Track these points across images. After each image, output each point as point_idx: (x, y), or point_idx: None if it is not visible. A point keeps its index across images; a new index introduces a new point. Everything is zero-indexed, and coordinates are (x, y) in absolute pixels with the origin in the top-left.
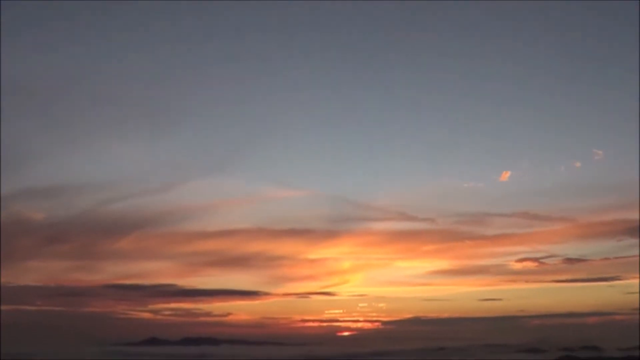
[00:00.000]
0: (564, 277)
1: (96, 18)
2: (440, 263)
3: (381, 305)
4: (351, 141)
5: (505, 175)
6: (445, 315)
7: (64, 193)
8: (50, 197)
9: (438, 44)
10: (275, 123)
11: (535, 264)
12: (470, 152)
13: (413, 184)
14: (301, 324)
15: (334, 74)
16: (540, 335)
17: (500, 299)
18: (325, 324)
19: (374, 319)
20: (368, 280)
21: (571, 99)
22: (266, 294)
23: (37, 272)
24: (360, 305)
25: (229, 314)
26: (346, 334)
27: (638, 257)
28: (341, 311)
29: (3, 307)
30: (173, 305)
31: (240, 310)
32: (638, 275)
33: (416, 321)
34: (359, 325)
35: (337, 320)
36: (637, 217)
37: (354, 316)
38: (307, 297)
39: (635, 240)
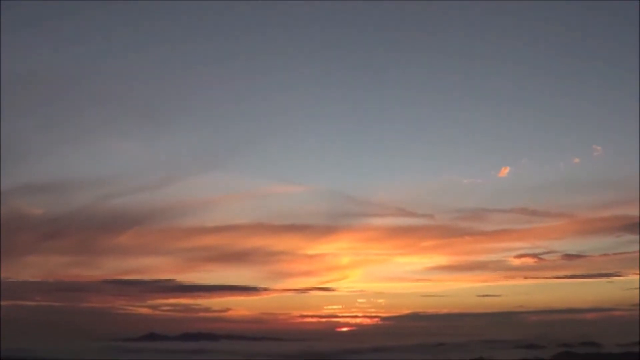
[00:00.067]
0: (562, 273)
1: (96, 16)
2: (439, 259)
3: (380, 300)
4: (350, 137)
5: (504, 171)
6: (444, 311)
7: (63, 189)
8: (49, 192)
9: (437, 41)
10: (275, 119)
11: (534, 259)
12: (469, 148)
13: (412, 179)
14: (300, 320)
15: (333, 70)
16: (539, 331)
17: (499, 295)
18: (324, 320)
19: (373, 314)
20: (367, 276)
21: (570, 96)
22: (265, 289)
23: (37, 267)
24: (359, 300)
25: (228, 309)
26: (345, 329)
27: (637, 253)
28: (340, 307)
29: (2, 303)
30: (172, 300)
31: (239, 306)
32: (637, 271)
33: (415, 317)
34: (358, 320)
35: (336, 316)
36: (637, 213)
37: (352, 312)
38: (306, 293)
39: (634, 236)
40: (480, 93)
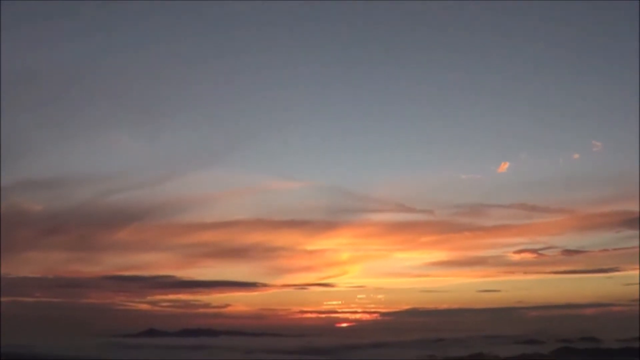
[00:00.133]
0: (562, 269)
1: (95, 14)
2: (438, 254)
3: (380, 296)
4: (350, 133)
5: (504, 167)
6: (444, 306)
7: (63, 185)
8: (49, 188)
9: (436, 37)
10: (274, 115)
11: (534, 255)
12: (469, 144)
13: (411, 175)
14: (300, 315)
15: (333, 66)
16: (539, 327)
17: (498, 290)
18: (323, 315)
19: (373, 310)
20: (366, 272)
21: (570, 91)
22: (265, 285)
23: (36, 263)
24: (358, 296)
25: (227, 305)
26: (345, 325)
27: (637, 249)
28: (340, 302)
29: (2, 299)
30: (172, 296)
31: (238, 302)
32: (637, 267)
33: (414, 312)
34: (358, 316)
35: (336, 312)
36: (637, 208)
37: (352, 307)
38: (306, 288)
39: (634, 232)
40: (479, 88)
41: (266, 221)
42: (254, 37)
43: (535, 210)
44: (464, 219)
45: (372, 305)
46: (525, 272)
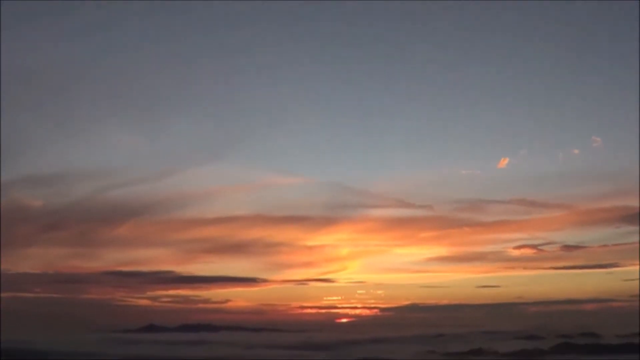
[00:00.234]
0: (562, 264)
1: (96, 11)
2: (438, 250)
3: (379, 291)
4: (349, 129)
5: (503, 162)
6: (443, 302)
7: (62, 181)
8: (49, 184)
9: (436, 34)
10: (274, 111)
11: (533, 250)
12: (468, 140)
13: (411, 171)
14: (299, 311)
15: (333, 64)
16: (539, 322)
17: (498, 286)
18: (323, 311)
19: (372, 305)
20: (366, 267)
21: (570, 87)
22: (264, 280)
23: (36, 259)
24: (358, 291)
25: (227, 300)
26: (344, 320)
27: (637, 244)
28: (339, 298)
29: (2, 294)
30: (171, 292)
31: (238, 297)
32: (637, 262)
33: (414, 308)
34: (357, 311)
35: (336, 307)
36: (636, 204)
37: (352, 303)
38: (306, 284)
39: (633, 227)
40: (479, 85)
41: (266, 217)
42: (254, 35)
43: (534, 206)
44: (463, 214)
45: (372, 301)
46: (524, 268)
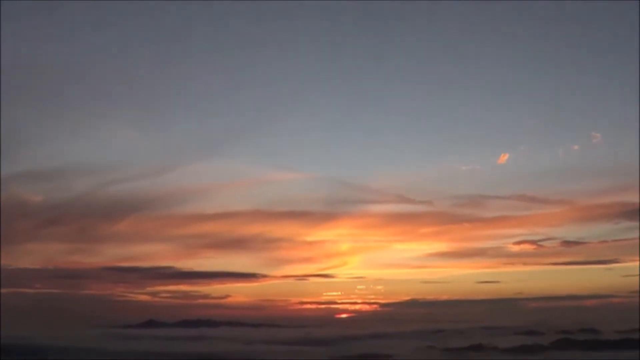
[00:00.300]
0: (562, 260)
1: (96, 6)
2: (438, 245)
3: (379, 287)
4: (349, 125)
5: (503, 158)
6: (443, 297)
7: (62, 176)
8: (49, 180)
9: (435, 30)
10: (274, 107)
11: (533, 246)
12: (468, 135)
13: (411, 166)
14: (299, 306)
15: (332, 60)
16: (538, 318)
17: (498, 282)
18: (323, 306)
19: (372, 301)
20: (366, 263)
21: (569, 83)
22: (264, 276)
23: (36, 254)
24: (358, 287)
25: (227, 296)
26: (344, 316)
27: (637, 240)
28: (339, 293)
29: (2, 290)
30: (171, 287)
31: (238, 293)
32: (637, 258)
33: (414, 303)
34: (357, 307)
35: (335, 303)
36: (636, 200)
37: (352, 298)
38: (305, 280)
39: (633, 223)
40: (479, 80)
41: (266, 212)
42: (254, 32)
43: (534, 202)
44: (463, 210)
45: (372, 296)
46: (524, 263)
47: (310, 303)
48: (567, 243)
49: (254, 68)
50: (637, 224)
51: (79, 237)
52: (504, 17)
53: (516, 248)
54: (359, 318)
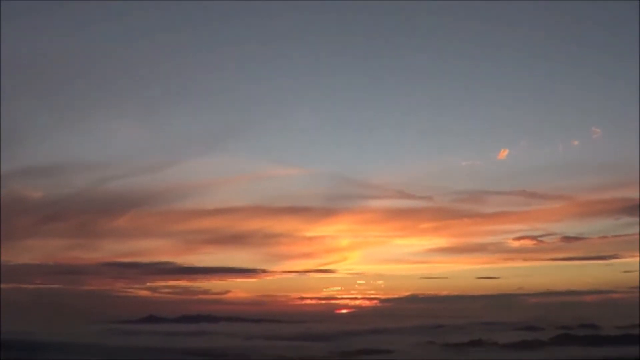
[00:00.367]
0: (562, 256)
1: (98, 2)
2: (438, 241)
3: (379, 282)
4: (349, 120)
5: (503, 154)
6: (443, 293)
7: (62, 171)
8: (49, 175)
9: (435, 25)
10: (274, 102)
11: (533, 242)
12: (468, 131)
13: (411, 162)
14: (299, 302)
15: (332, 55)
16: (538, 314)
17: (498, 277)
18: (323, 302)
19: (372, 296)
20: (366, 258)
21: (569, 78)
22: (264, 271)
23: (36, 250)
24: (358, 282)
25: (227, 291)
26: (344, 311)
27: (637, 236)
28: (339, 289)
29: (2, 286)
30: (171, 283)
31: (238, 288)
32: (637, 254)
33: (414, 299)
34: (357, 302)
35: (335, 298)
36: (636, 195)
37: (352, 294)
38: (305, 275)
39: (633, 219)
40: (479, 76)
41: (266, 208)
42: (254, 26)
43: (534, 197)
44: (463, 205)
45: (372, 292)
46: (524, 259)
47: (311, 298)
48: (567, 238)
49: (254, 63)
50: (638, 219)
51: (79, 232)
52: (504, 14)
53: (516, 243)
54: (359, 313)
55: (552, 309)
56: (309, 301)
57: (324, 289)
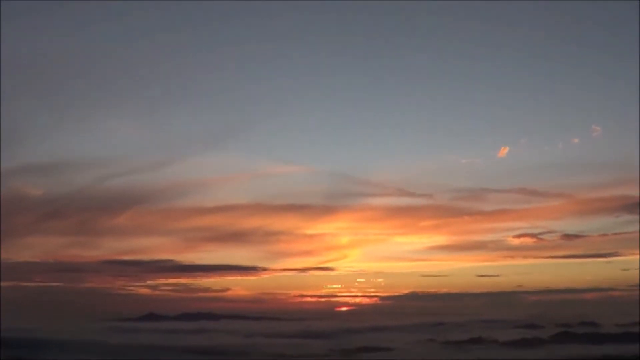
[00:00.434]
0: (561, 253)
1: (98, 2)
2: (438, 238)
3: (379, 280)
4: (349, 118)
5: (503, 152)
6: (443, 290)
7: (62, 169)
8: (49, 173)
9: (435, 24)
10: (274, 101)
11: (533, 239)
12: (468, 129)
13: (411, 159)
14: (299, 299)
15: (332, 53)
16: (538, 311)
17: (498, 275)
18: (323, 299)
19: (372, 294)
20: (366, 256)
21: (570, 76)
22: (264, 269)
23: (36, 248)
24: (358, 280)
25: (227, 289)
26: (344, 309)
27: (637, 234)
28: (339, 286)
29: (2, 283)
30: (171, 280)
31: (238, 286)
32: (637, 252)
33: (414, 296)
34: (357, 300)
35: (335, 296)
36: (636, 193)
37: (352, 291)
38: (306, 273)
39: (633, 217)
40: (479, 74)
41: (266, 205)
42: (254, 26)
43: (534, 195)
44: (463, 203)
45: (372, 289)
46: (524, 257)
47: (311, 296)
48: (567, 236)
49: (255, 62)
50: (637, 217)
51: (79, 230)
52: (504, 14)
53: (516, 241)
54: (359, 311)
55: (552, 306)
56: (309, 299)
57: (324, 287)
